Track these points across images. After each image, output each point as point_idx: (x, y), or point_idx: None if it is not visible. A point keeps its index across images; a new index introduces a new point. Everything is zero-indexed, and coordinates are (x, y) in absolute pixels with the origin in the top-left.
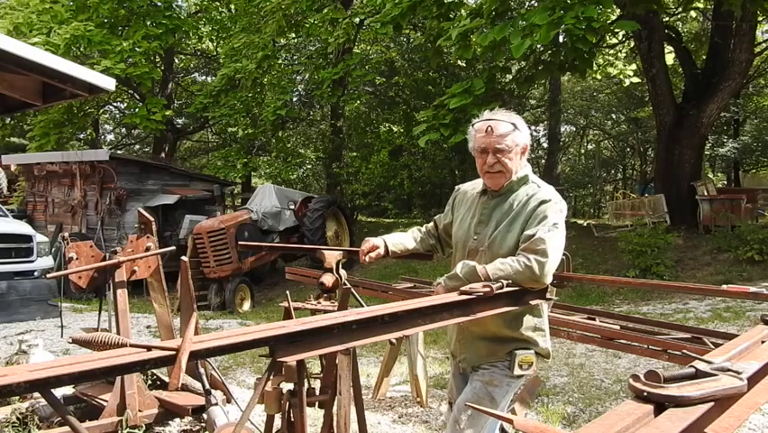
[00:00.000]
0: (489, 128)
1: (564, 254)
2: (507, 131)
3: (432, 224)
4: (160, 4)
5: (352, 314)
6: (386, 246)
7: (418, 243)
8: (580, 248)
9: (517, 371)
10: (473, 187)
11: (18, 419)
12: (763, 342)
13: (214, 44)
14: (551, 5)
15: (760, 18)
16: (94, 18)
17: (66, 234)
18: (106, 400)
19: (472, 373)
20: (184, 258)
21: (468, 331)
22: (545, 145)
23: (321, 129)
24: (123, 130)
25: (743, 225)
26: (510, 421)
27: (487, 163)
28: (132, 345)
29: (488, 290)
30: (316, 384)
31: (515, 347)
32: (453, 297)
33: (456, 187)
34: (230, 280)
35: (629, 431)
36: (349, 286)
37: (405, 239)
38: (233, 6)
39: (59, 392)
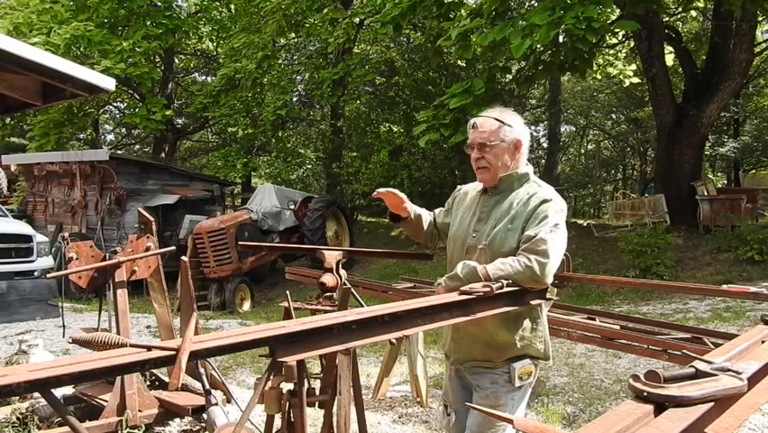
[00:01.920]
0: (475, 124)
1: (564, 254)
2: (492, 126)
3: (431, 215)
4: (159, 4)
5: (352, 314)
6: (408, 210)
7: (429, 221)
8: (580, 248)
9: (518, 382)
10: (475, 187)
11: (18, 419)
12: (763, 342)
13: (214, 44)
14: (551, 5)
15: (760, 18)
16: (94, 18)
17: (66, 234)
18: (106, 400)
19: (476, 391)
20: (184, 258)
21: (464, 330)
22: (545, 145)
23: (321, 129)
24: (123, 130)
25: (743, 225)
26: (510, 421)
27: (473, 158)
28: (132, 345)
29: (488, 289)
30: (316, 384)
31: (511, 355)
32: (453, 297)
33: (458, 187)
34: (230, 280)
35: (629, 431)
36: (349, 286)
37: (422, 212)
38: (233, 6)
39: (59, 392)
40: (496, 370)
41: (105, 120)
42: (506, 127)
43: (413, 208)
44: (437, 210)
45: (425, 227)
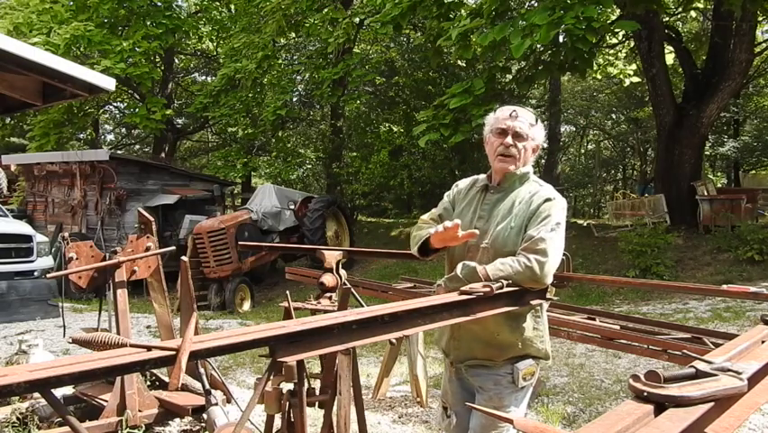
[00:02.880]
0: (515, 112)
1: (564, 254)
2: (531, 121)
3: (428, 217)
4: (159, 4)
5: (352, 314)
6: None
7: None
8: (580, 248)
9: (521, 383)
10: (473, 183)
11: (18, 419)
12: (763, 342)
13: (214, 44)
14: (551, 5)
15: (760, 18)
16: (94, 18)
17: (66, 234)
18: (106, 400)
19: (479, 393)
20: (184, 258)
21: (464, 329)
22: (545, 145)
23: (321, 129)
24: (123, 130)
25: (743, 225)
26: (510, 421)
27: (503, 144)
28: (132, 345)
29: (488, 289)
30: (316, 384)
31: (513, 355)
32: (453, 297)
33: (455, 183)
34: (230, 280)
35: (629, 431)
36: (349, 286)
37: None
38: (233, 6)
39: (59, 392)
40: (498, 370)
41: (105, 120)
42: (539, 127)
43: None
44: (435, 212)
45: None
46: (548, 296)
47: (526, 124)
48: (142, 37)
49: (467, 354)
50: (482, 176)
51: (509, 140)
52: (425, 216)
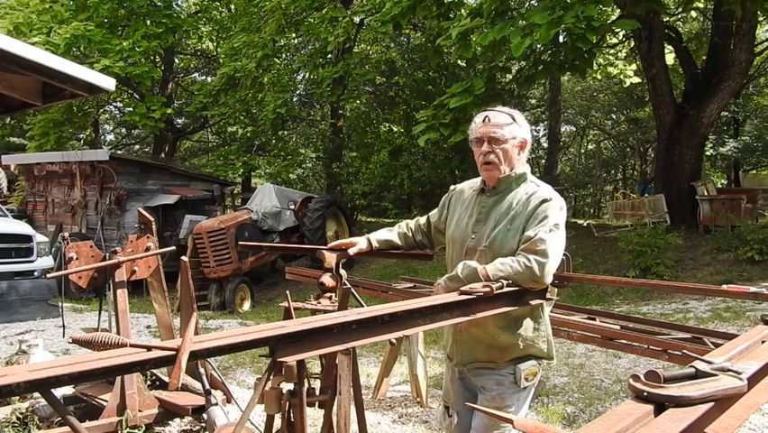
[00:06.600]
0: (487, 118)
1: (564, 254)
2: (505, 121)
3: (424, 220)
4: (159, 3)
5: (352, 314)
6: (369, 242)
7: (401, 238)
8: (580, 248)
9: (524, 383)
10: (470, 186)
11: (18, 419)
12: (763, 342)
13: (214, 44)
14: (551, 5)
15: (760, 18)
16: (94, 18)
17: (66, 234)
18: (106, 400)
19: (481, 393)
20: (184, 258)
21: (466, 333)
22: (545, 145)
23: (321, 129)
24: (123, 130)
25: (743, 225)
26: (510, 421)
27: (481, 152)
28: (132, 345)
29: (488, 290)
30: (316, 384)
31: (515, 356)
32: (453, 297)
33: (452, 186)
34: (230, 280)
35: (629, 431)
36: (349, 286)
37: (389, 235)
38: (232, 6)
39: (59, 392)
40: (501, 371)
41: (105, 120)
42: (516, 124)
43: (374, 240)
44: (432, 212)
45: (403, 243)
46: (549, 296)
47: (501, 125)
48: (142, 36)
49: (470, 358)
50: (479, 179)
51: (485, 147)
52: (421, 219)
